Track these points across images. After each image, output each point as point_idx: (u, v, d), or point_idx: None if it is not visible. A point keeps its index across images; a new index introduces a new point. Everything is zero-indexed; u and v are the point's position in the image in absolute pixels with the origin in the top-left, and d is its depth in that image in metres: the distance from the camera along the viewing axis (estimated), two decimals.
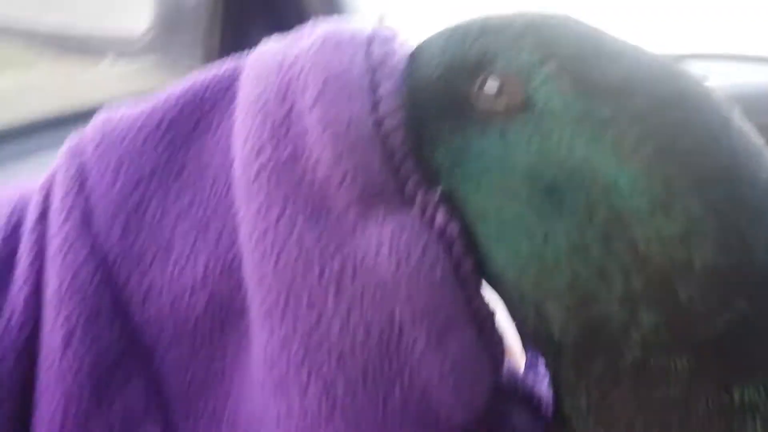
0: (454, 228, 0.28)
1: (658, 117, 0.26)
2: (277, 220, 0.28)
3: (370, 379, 0.27)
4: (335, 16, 0.79)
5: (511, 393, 0.33)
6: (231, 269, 0.30)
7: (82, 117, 0.34)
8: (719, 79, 0.62)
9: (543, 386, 0.35)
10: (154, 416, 0.30)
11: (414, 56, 0.31)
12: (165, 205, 0.31)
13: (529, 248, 0.27)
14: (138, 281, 0.30)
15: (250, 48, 0.33)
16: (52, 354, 0.29)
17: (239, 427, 0.30)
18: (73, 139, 0.34)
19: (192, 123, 0.32)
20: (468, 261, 0.28)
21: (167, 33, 0.98)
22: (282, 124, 0.29)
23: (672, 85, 0.27)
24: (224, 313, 0.30)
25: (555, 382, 0.29)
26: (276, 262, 0.28)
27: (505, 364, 0.33)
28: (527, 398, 0.34)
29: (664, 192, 0.25)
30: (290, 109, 0.29)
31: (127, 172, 0.31)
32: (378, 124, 0.28)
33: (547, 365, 0.30)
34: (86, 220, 0.31)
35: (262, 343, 0.29)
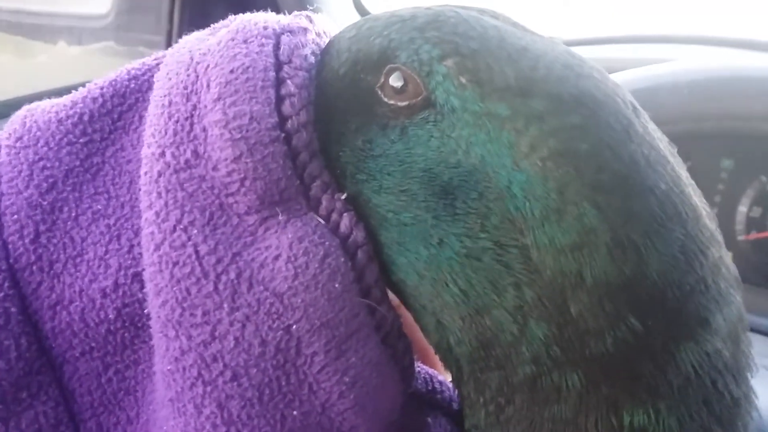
0: (359, 234, 0.27)
1: (556, 119, 0.25)
2: (173, 230, 0.27)
3: (267, 396, 0.26)
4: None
5: (427, 400, 0.32)
6: (143, 276, 0.28)
7: (36, 100, 0.33)
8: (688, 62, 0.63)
9: None
10: None
11: (326, 51, 0.30)
12: (79, 209, 0.29)
13: (426, 254, 0.26)
14: (48, 289, 0.29)
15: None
16: None
17: None
18: None
19: (112, 119, 0.31)
20: (372, 269, 0.27)
21: (128, 14, 0.95)
22: (185, 124, 0.27)
23: (573, 87, 0.25)
24: (136, 323, 0.29)
25: (459, 397, 0.28)
26: (171, 275, 0.26)
27: (420, 371, 0.32)
28: (446, 405, 0.33)
29: (558, 198, 0.24)
30: (194, 108, 0.28)
31: (41, 174, 0.29)
32: (281, 123, 0.27)
33: (452, 380, 0.28)
34: None
35: (160, 357, 0.27)
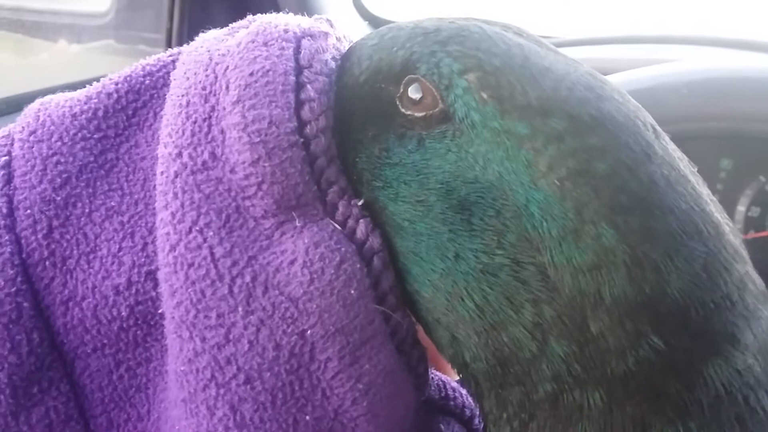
0: (375, 241, 0.27)
1: (575, 139, 0.25)
2: (189, 231, 0.26)
3: (280, 400, 0.26)
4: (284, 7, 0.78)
5: (440, 407, 0.32)
6: (156, 275, 0.28)
7: (36, 98, 0.32)
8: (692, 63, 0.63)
9: None
10: (74, 429, 0.29)
11: (346, 57, 0.30)
12: (93, 205, 0.29)
13: (442, 266, 0.26)
14: (61, 285, 0.28)
15: (213, 27, 0.32)
16: None
17: None
18: (4, 130, 0.31)
19: (127, 115, 0.31)
20: (388, 275, 0.27)
21: (128, 11, 0.95)
22: (202, 125, 0.27)
23: (594, 108, 0.25)
24: (149, 321, 0.29)
25: (481, 412, 0.28)
26: (186, 277, 0.26)
27: (433, 378, 0.32)
28: (459, 411, 0.33)
29: (575, 218, 0.24)
30: (212, 109, 0.27)
31: (54, 169, 0.29)
32: (300, 128, 0.27)
33: (470, 394, 0.28)
34: (10, 219, 0.29)
35: (173, 357, 0.27)
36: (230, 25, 0.31)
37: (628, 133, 0.25)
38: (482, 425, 0.29)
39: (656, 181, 0.24)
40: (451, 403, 0.32)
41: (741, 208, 0.71)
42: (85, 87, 0.32)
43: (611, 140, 0.25)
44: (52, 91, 0.33)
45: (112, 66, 0.33)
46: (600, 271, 0.24)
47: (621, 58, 0.82)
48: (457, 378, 0.34)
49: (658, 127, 0.27)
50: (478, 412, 0.33)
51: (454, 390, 0.33)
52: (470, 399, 0.33)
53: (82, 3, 1.00)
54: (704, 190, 0.26)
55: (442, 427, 0.32)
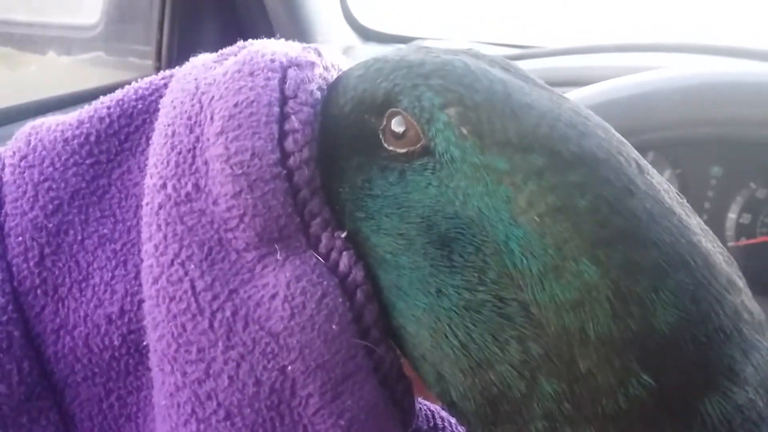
0: (358, 273, 0.27)
1: (555, 176, 0.24)
2: (171, 264, 0.26)
3: None
4: (277, 24, 0.78)
5: None
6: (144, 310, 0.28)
7: (25, 111, 0.32)
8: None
9: None
10: None
11: (332, 87, 0.30)
12: (85, 233, 0.29)
13: (425, 301, 0.26)
14: (53, 313, 0.28)
15: (203, 39, 0.32)
16: None
17: None
18: None
19: (119, 140, 0.30)
20: (371, 309, 0.27)
21: (117, 24, 0.95)
22: (187, 156, 0.27)
23: (575, 145, 0.25)
24: (141, 350, 0.28)
25: None
26: (168, 310, 0.26)
27: (420, 408, 0.31)
28: None
29: (556, 254, 0.24)
30: (197, 140, 0.27)
31: (46, 195, 0.29)
32: (283, 159, 0.27)
33: (465, 430, 0.28)
34: (1, 246, 0.28)
35: (157, 390, 0.27)
36: (220, 51, 0.31)
37: (609, 169, 0.25)
38: None
39: (638, 215, 0.24)
40: None
41: (732, 215, 0.72)
42: (74, 100, 0.32)
43: (591, 176, 0.25)
44: (42, 103, 0.33)
45: (102, 78, 0.32)
46: (583, 308, 0.23)
47: (611, 65, 0.83)
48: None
49: (642, 162, 0.26)
50: None
51: (443, 419, 0.32)
52: (459, 429, 0.33)
53: (72, 16, 1.00)
54: (693, 221, 0.26)
55: None
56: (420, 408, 0.31)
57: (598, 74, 0.72)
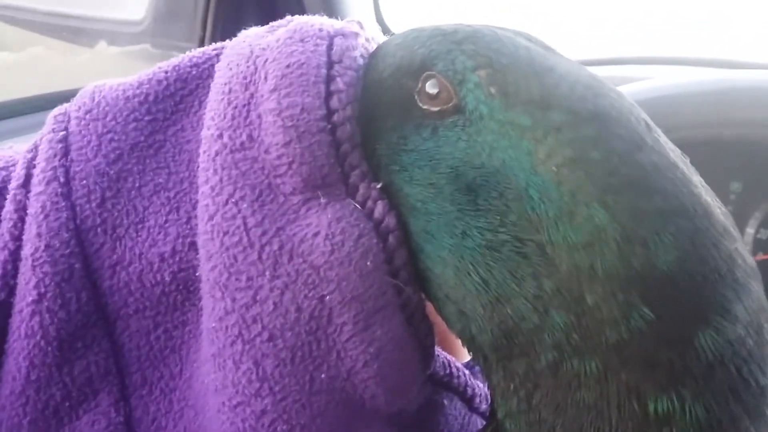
0: (391, 221, 0.29)
1: (572, 131, 0.27)
2: (225, 203, 0.29)
3: (299, 358, 0.28)
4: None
5: (444, 384, 0.34)
6: (198, 245, 0.31)
7: (73, 96, 0.35)
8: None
9: (480, 380, 0.36)
10: (111, 383, 0.31)
11: (373, 54, 0.33)
12: (142, 180, 0.32)
13: (451, 242, 0.28)
14: (110, 250, 0.31)
15: None
16: (23, 313, 0.30)
17: (190, 399, 0.31)
18: (61, 108, 0.34)
19: (175, 101, 0.33)
20: (401, 253, 0.29)
21: (164, 19, 0.99)
22: (242, 110, 0.30)
23: (590, 104, 0.27)
24: (189, 287, 0.31)
25: (489, 386, 0.30)
26: (221, 243, 0.29)
27: (438, 355, 0.34)
28: (462, 389, 0.35)
29: (570, 200, 0.26)
30: (251, 96, 0.30)
31: (108, 145, 0.32)
32: (328, 116, 0.29)
33: (480, 369, 0.30)
34: (66, 188, 0.31)
35: (207, 315, 0.30)
36: (270, 23, 0.34)
37: (621, 126, 0.27)
38: (490, 399, 0.31)
39: (645, 166, 0.26)
40: (455, 380, 0.34)
41: (750, 231, 0.72)
42: None
43: (604, 131, 0.27)
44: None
45: (146, 69, 0.35)
46: (593, 248, 0.26)
47: (608, 76, 0.83)
48: (463, 361, 0.36)
49: (651, 122, 0.29)
50: (479, 392, 0.35)
51: (458, 369, 0.35)
52: (473, 379, 0.35)
53: (120, 11, 1.04)
54: (695, 178, 0.28)
55: (445, 401, 0.34)
56: (438, 355, 0.34)
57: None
